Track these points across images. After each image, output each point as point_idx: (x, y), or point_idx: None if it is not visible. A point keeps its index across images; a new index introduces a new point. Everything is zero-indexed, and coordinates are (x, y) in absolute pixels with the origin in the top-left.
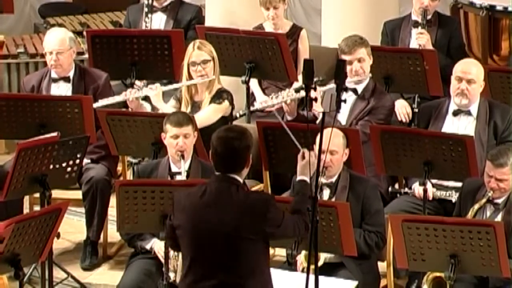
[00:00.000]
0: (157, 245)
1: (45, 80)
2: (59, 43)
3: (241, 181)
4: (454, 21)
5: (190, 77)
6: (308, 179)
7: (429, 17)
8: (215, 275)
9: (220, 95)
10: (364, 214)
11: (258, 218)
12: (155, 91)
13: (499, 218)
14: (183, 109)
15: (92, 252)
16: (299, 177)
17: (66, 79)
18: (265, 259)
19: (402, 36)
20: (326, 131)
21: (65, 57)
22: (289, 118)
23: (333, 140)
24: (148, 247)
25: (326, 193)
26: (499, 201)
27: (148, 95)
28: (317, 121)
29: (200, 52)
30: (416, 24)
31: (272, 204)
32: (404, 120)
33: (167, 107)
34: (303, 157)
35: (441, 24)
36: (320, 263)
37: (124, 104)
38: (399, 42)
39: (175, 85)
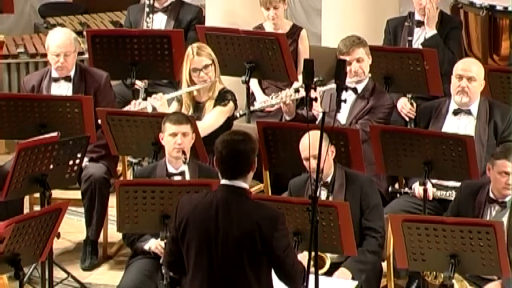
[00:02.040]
0: (154, 244)
1: (45, 80)
2: (66, 45)
3: (248, 187)
4: (455, 21)
5: (191, 81)
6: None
7: None
8: (219, 285)
9: (224, 97)
10: (364, 210)
11: (267, 232)
12: (159, 101)
13: (505, 218)
14: (184, 112)
15: (92, 252)
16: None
17: (66, 79)
18: (269, 280)
19: (404, 34)
20: (305, 138)
21: (71, 58)
22: (287, 118)
23: (314, 144)
24: (146, 247)
25: (323, 194)
26: (506, 199)
27: (153, 106)
28: (317, 121)
29: (201, 58)
30: (419, 24)
31: (281, 222)
32: (407, 119)
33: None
34: None
35: (443, 23)
36: (325, 269)
37: (124, 104)
38: (401, 41)
39: (177, 92)
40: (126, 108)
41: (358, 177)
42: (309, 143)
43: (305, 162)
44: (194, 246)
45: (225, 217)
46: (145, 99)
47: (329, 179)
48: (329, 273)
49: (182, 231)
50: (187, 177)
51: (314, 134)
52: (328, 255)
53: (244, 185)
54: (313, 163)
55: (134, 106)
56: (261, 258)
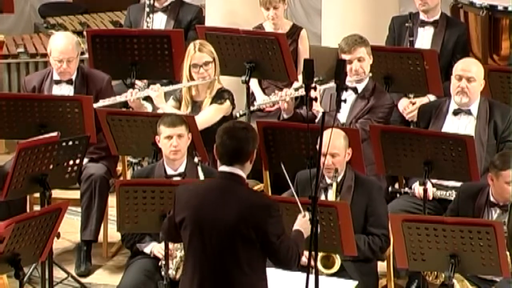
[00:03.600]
0: (156, 248)
1: (46, 81)
2: (68, 51)
3: (244, 176)
4: (462, 27)
5: (191, 78)
6: (305, 233)
7: (436, 17)
8: (212, 271)
9: (221, 95)
10: (369, 216)
11: (261, 218)
12: (156, 92)
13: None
14: (183, 109)
15: (87, 258)
16: (296, 227)
17: (68, 81)
18: (262, 268)
19: (406, 34)
20: (327, 133)
21: (74, 63)
22: (285, 116)
23: (334, 142)
24: (147, 250)
25: (331, 193)
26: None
27: (149, 96)
28: (316, 120)
29: (202, 54)
30: (422, 23)
31: (275, 210)
32: (410, 120)
33: (169, 108)
34: (304, 216)
35: (449, 28)
36: (336, 269)
37: (124, 104)
38: (405, 39)
39: (176, 86)
40: (123, 96)
41: (367, 182)
42: (331, 139)
43: (322, 157)
44: (190, 231)
45: (220, 203)
46: (144, 99)
47: (338, 179)
48: (334, 275)
49: (179, 218)
50: (201, 177)
51: (336, 133)
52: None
53: (241, 173)
54: (329, 159)
55: (131, 95)
56: (254, 244)
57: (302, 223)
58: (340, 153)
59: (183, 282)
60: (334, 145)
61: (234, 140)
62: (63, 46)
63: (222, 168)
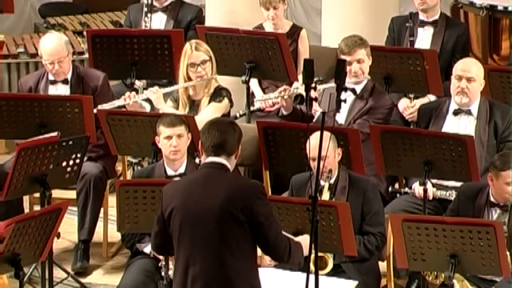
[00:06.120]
0: None
1: (42, 82)
2: (58, 51)
3: (229, 166)
4: (462, 27)
5: (188, 77)
6: (304, 249)
7: (436, 17)
8: (203, 259)
9: (219, 93)
10: (365, 215)
11: (248, 199)
12: (155, 94)
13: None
14: (181, 109)
15: (83, 256)
16: (297, 239)
17: (64, 81)
18: (252, 252)
19: (407, 34)
20: (314, 137)
21: (66, 63)
22: (284, 112)
23: (322, 145)
24: (147, 250)
25: (326, 195)
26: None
27: (149, 98)
28: (314, 120)
29: (198, 53)
30: (422, 23)
31: (261, 192)
32: (410, 120)
33: (169, 109)
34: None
35: (449, 28)
36: (328, 270)
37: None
38: (405, 39)
39: (174, 87)
40: (121, 99)
41: (361, 181)
42: (318, 143)
43: (311, 162)
44: (179, 221)
45: (206, 190)
46: (145, 99)
47: (332, 181)
48: (333, 274)
49: (167, 213)
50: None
51: (323, 135)
52: (331, 260)
53: (226, 162)
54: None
55: (129, 98)
56: (243, 226)
57: (303, 238)
58: (329, 154)
59: (176, 275)
60: (323, 147)
61: (221, 132)
62: (51, 48)
63: (208, 159)
